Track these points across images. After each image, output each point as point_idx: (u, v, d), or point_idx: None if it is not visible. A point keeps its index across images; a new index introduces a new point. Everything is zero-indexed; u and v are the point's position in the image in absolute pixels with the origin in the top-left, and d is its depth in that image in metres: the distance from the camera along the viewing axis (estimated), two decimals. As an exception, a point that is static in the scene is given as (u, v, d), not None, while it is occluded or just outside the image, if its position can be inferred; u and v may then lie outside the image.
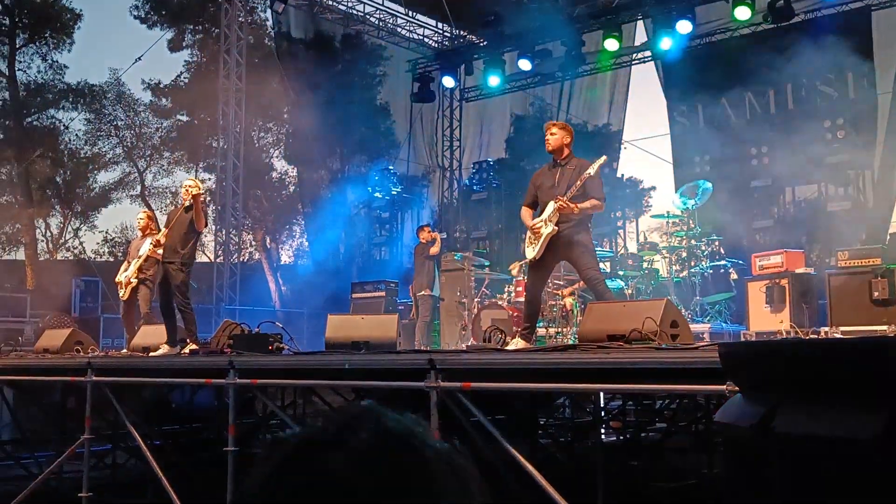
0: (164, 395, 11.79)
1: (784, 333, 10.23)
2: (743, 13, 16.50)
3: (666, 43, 17.80)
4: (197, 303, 10.59)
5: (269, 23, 26.35)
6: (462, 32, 23.90)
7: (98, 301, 19.20)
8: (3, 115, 29.31)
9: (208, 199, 11.15)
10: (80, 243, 33.88)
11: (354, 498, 1.05)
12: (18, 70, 29.91)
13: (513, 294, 13.43)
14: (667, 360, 5.19)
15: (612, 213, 20.00)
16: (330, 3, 22.22)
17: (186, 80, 31.99)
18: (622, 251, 18.09)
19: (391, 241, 23.67)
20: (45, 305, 18.21)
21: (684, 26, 17.11)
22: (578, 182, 8.24)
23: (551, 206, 8.30)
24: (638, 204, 23.65)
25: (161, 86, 32.94)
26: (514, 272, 13.28)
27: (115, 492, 10.76)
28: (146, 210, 14.57)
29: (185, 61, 32.59)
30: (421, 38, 24.10)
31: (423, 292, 14.53)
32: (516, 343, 8.36)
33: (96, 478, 10.29)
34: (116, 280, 12.62)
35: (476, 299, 13.86)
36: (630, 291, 13.24)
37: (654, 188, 28.27)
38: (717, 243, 14.07)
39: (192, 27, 31.52)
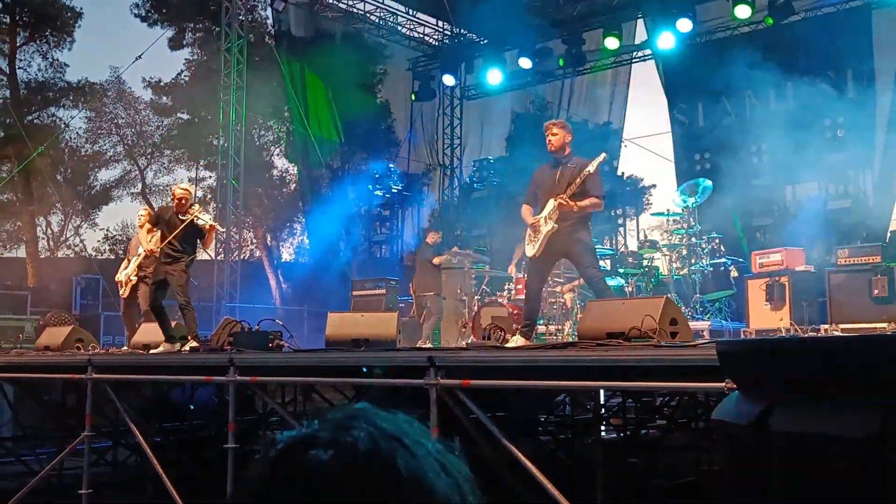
0: (164, 392, 11.80)
1: (784, 331, 10.25)
2: (743, 11, 16.51)
3: (666, 40, 17.81)
4: (197, 300, 10.63)
5: (270, 21, 26.35)
6: (462, 31, 23.90)
7: (99, 299, 19.24)
8: (3, 113, 29.30)
9: (211, 204, 11.32)
10: (81, 241, 34.00)
11: (347, 496, 1.06)
12: (19, 68, 29.95)
13: (513, 291, 13.44)
14: (666, 357, 5.19)
15: (613, 210, 20.03)
16: (330, 1, 22.23)
17: (187, 79, 32.03)
18: (622, 249, 18.13)
19: (391, 239, 23.69)
20: (46, 303, 18.26)
21: (684, 24, 17.10)
22: (578, 180, 8.25)
23: (551, 204, 8.31)
24: (638, 202, 23.68)
25: (161, 84, 33.00)
26: (512, 272, 13.30)
27: (115, 489, 10.78)
28: (146, 208, 14.58)
29: (186, 59, 32.65)
30: (421, 36, 24.12)
31: (430, 293, 14.42)
32: (516, 340, 8.37)
33: (97, 474, 10.30)
34: (117, 278, 12.65)
35: (476, 297, 13.87)
36: (630, 289, 13.25)
37: (654, 186, 28.33)
38: (717, 241, 14.07)
39: (192, 25, 31.49)
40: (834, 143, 16.75)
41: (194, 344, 9.91)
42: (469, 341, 12.20)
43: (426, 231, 15.84)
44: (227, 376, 7.72)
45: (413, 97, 22.47)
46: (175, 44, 31.52)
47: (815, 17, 17.22)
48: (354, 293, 16.53)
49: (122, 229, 34.03)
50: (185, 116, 33.08)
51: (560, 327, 12.34)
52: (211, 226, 10.56)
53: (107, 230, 35.11)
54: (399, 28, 23.67)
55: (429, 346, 12.66)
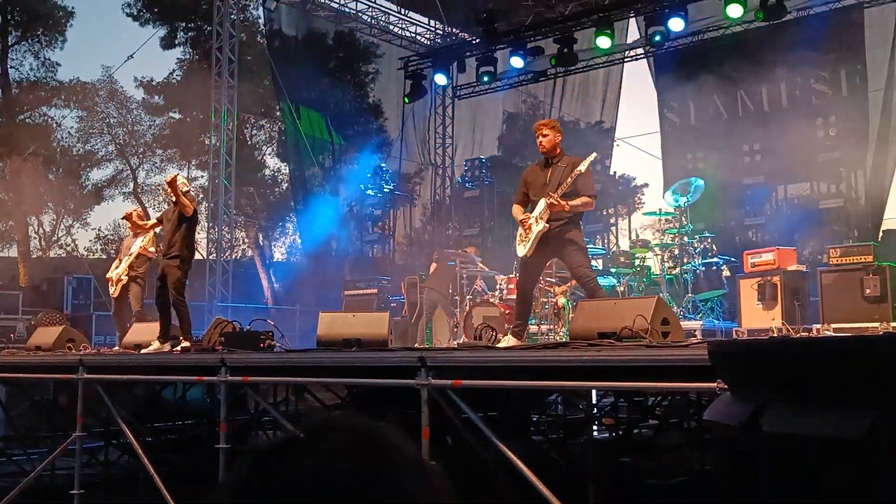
0: (155, 392, 11.78)
1: (776, 331, 10.25)
2: (735, 11, 16.48)
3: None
4: (189, 300, 10.56)
5: (262, 20, 26.32)
6: (454, 30, 23.91)
7: (90, 298, 19.16)
8: (-5, 112, 29.29)
9: (188, 189, 10.90)
10: (73, 241, 33.94)
11: (326, 498, 1.06)
12: (11, 67, 29.95)
13: (504, 291, 13.42)
14: (657, 357, 5.20)
15: (605, 210, 20.02)
16: (322, 0, 22.20)
17: (179, 78, 32.02)
18: (614, 248, 18.13)
19: (383, 239, 23.67)
20: (38, 303, 18.18)
21: (676, 23, 17.10)
22: (569, 179, 8.25)
23: (542, 204, 8.31)
24: (630, 201, 23.73)
25: (153, 83, 32.99)
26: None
27: (107, 489, 10.76)
28: (136, 208, 14.54)
29: (178, 59, 32.68)
30: (413, 35, 24.11)
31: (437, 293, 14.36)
32: (507, 340, 8.36)
33: (88, 475, 10.29)
34: (108, 277, 12.61)
35: (468, 296, 13.85)
36: (622, 289, 13.26)
37: (646, 185, 28.41)
38: (709, 240, 14.08)
39: (184, 25, 31.47)
40: (826, 142, 16.77)
41: (186, 344, 9.90)
42: (460, 341, 12.19)
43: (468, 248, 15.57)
44: (219, 376, 7.71)
45: (405, 97, 22.43)
46: (167, 43, 31.52)
47: (808, 15, 17.22)
48: (346, 293, 16.53)
49: (114, 229, 33.99)
50: (177, 116, 33.09)
51: (552, 327, 12.33)
52: (168, 182, 10.19)
53: (98, 230, 35.04)
54: (391, 27, 23.66)
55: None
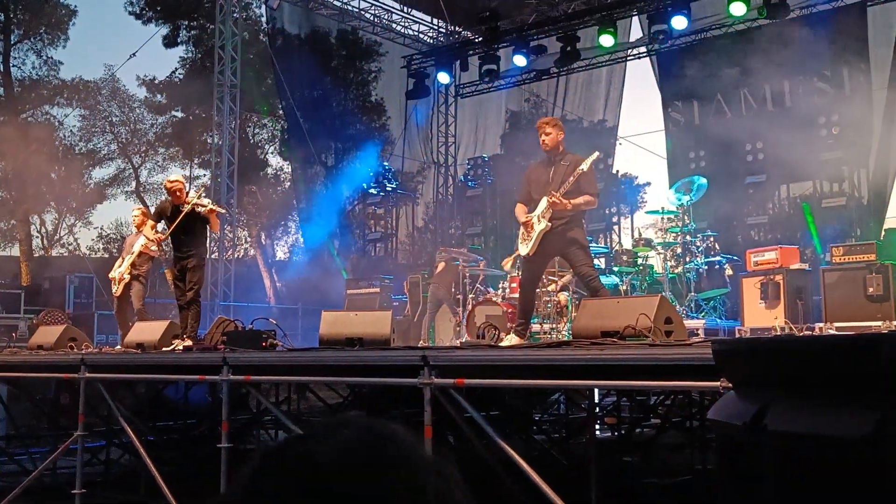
0: (157, 391, 11.78)
1: (778, 330, 10.23)
2: (738, 9, 16.46)
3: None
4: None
5: (264, 19, 26.30)
6: (457, 28, 23.92)
7: (92, 297, 19.17)
8: (-2, 110, 29.31)
9: (202, 193, 11.04)
10: (75, 240, 33.95)
11: (340, 489, 1.07)
12: (13, 66, 29.96)
13: (507, 290, 13.41)
14: (661, 356, 5.18)
15: (607, 209, 19.99)
16: (325, -2, 22.20)
17: (181, 76, 32.00)
18: (617, 247, 18.08)
19: (386, 238, 23.67)
20: (40, 302, 18.18)
21: (679, 22, 17.08)
22: (572, 178, 8.23)
23: (544, 203, 8.29)
24: (633, 200, 23.63)
25: (156, 82, 32.99)
26: (507, 267, 13.25)
27: (108, 488, 10.74)
28: (141, 206, 14.53)
29: (180, 57, 32.63)
30: (416, 33, 24.12)
31: (442, 290, 14.35)
32: (510, 339, 8.35)
33: (90, 474, 10.29)
34: (110, 275, 12.60)
35: (470, 295, 13.84)
36: (625, 287, 13.24)
37: (649, 184, 28.38)
38: (711, 239, 14.05)
39: (186, 23, 31.45)
40: (829, 140, 16.73)
41: (188, 343, 9.89)
42: (463, 340, 12.18)
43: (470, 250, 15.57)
44: (221, 375, 7.70)
45: (407, 95, 22.40)
46: (169, 41, 31.49)
47: (811, 14, 17.19)
48: (349, 292, 16.51)
49: (117, 228, 34.08)
50: (180, 114, 33.08)
51: (554, 326, 12.31)
52: (211, 209, 10.42)
53: (101, 229, 35.08)
54: (394, 26, 23.66)
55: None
